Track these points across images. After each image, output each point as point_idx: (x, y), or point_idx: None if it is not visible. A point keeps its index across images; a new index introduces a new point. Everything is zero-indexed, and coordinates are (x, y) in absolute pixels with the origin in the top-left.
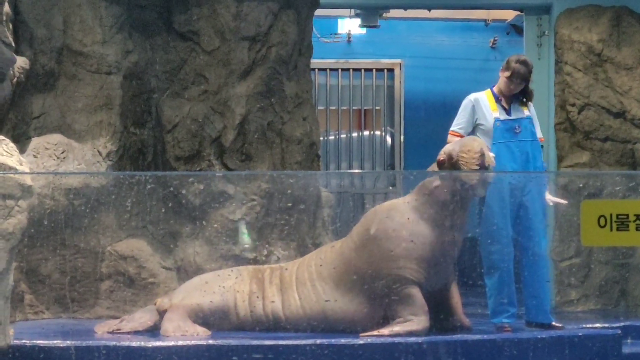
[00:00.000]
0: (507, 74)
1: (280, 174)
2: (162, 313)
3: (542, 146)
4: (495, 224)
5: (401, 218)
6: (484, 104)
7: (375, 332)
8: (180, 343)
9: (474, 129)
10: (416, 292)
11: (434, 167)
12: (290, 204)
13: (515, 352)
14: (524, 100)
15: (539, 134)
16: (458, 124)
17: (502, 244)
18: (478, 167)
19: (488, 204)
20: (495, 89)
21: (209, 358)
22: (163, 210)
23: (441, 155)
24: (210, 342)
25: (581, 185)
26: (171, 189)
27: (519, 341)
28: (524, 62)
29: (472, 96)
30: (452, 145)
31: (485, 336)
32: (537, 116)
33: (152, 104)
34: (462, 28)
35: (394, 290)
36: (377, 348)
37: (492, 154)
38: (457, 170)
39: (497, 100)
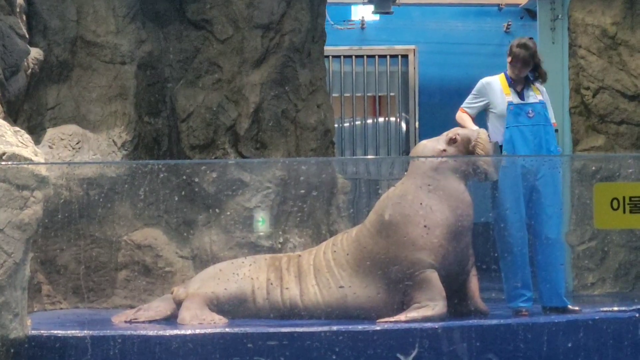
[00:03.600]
0: (509, 59)
1: (294, 161)
2: (178, 302)
3: (556, 130)
4: (508, 208)
5: (414, 202)
6: (497, 87)
7: (392, 318)
8: (197, 331)
9: (486, 113)
10: (434, 277)
11: (429, 144)
12: (305, 191)
13: (532, 336)
14: (535, 81)
15: (553, 119)
16: (468, 102)
17: (515, 228)
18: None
19: (501, 189)
20: (508, 72)
21: (226, 346)
22: (177, 199)
23: (454, 134)
24: (227, 329)
25: (594, 168)
26: (185, 177)
27: (535, 325)
28: (523, 46)
29: (486, 80)
30: (468, 131)
31: (502, 321)
32: (551, 100)
33: (166, 93)
34: (475, 13)
35: (411, 276)
36: (394, 334)
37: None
38: (466, 152)
39: (511, 84)
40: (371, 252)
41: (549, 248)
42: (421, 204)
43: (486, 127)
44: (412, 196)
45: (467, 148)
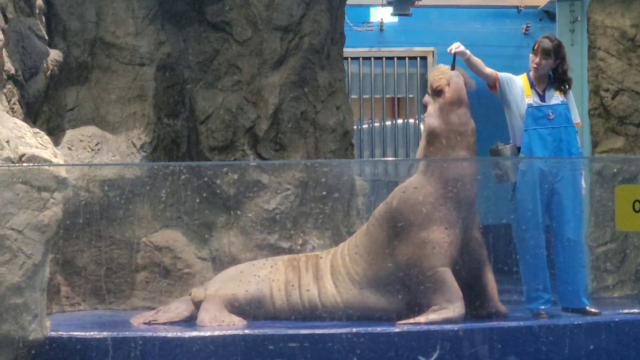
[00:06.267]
0: (532, 50)
1: (314, 163)
2: (197, 303)
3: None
4: (527, 210)
5: (424, 202)
6: (520, 86)
7: (411, 320)
8: (216, 333)
9: (506, 113)
10: (449, 278)
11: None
12: (324, 193)
13: (552, 338)
14: (563, 87)
15: (576, 119)
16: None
17: (534, 230)
18: (447, 84)
19: (520, 191)
20: (531, 74)
21: (246, 347)
22: (197, 201)
23: (424, 98)
24: (247, 331)
25: (615, 170)
26: (205, 179)
27: (555, 327)
28: (547, 37)
29: (510, 77)
30: (429, 82)
31: (522, 323)
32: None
33: (185, 95)
34: (494, 15)
35: (427, 278)
36: (414, 336)
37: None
38: (437, 95)
39: (532, 85)
40: (381, 246)
41: (569, 250)
42: (429, 199)
43: (506, 128)
44: (421, 196)
45: (435, 92)
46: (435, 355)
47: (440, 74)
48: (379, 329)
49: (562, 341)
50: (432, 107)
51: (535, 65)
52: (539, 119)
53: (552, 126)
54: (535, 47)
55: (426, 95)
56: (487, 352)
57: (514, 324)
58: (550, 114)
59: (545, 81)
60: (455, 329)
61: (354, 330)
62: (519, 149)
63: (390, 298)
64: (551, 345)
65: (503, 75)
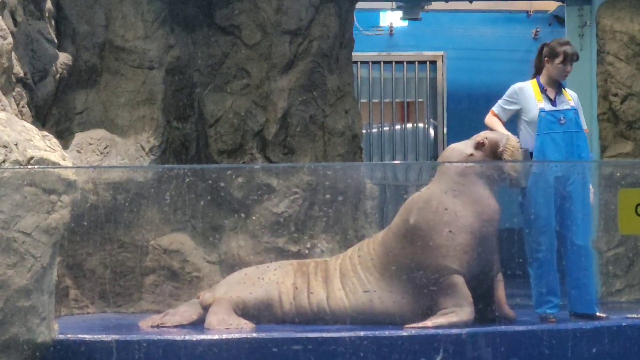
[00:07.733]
0: (559, 59)
1: (319, 166)
2: (205, 307)
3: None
4: (537, 214)
5: (439, 207)
6: (529, 93)
7: (418, 324)
8: (224, 336)
9: (517, 119)
10: (460, 282)
11: (457, 148)
12: (332, 196)
13: (559, 342)
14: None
15: (584, 125)
16: (500, 106)
17: (545, 234)
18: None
19: (530, 195)
20: (541, 79)
21: (253, 351)
22: (205, 205)
23: (482, 138)
24: (255, 335)
25: (619, 174)
26: (210, 182)
27: (562, 332)
28: (568, 43)
29: (518, 85)
30: (497, 135)
31: (529, 327)
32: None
33: (194, 99)
34: (504, 19)
35: (437, 281)
36: (421, 340)
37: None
38: (494, 156)
39: (543, 90)
40: (397, 257)
41: (577, 255)
42: (446, 209)
43: (517, 134)
44: (437, 201)
45: (494, 153)
46: (438, 359)
47: (519, 152)
48: (386, 333)
49: (569, 345)
50: (479, 155)
51: (565, 74)
52: (551, 124)
53: (563, 131)
54: (563, 59)
55: (488, 139)
56: (493, 356)
57: (520, 328)
58: (562, 118)
59: (556, 86)
60: (462, 332)
61: (361, 333)
62: (531, 154)
63: (399, 304)
64: (558, 350)
65: (502, 103)
